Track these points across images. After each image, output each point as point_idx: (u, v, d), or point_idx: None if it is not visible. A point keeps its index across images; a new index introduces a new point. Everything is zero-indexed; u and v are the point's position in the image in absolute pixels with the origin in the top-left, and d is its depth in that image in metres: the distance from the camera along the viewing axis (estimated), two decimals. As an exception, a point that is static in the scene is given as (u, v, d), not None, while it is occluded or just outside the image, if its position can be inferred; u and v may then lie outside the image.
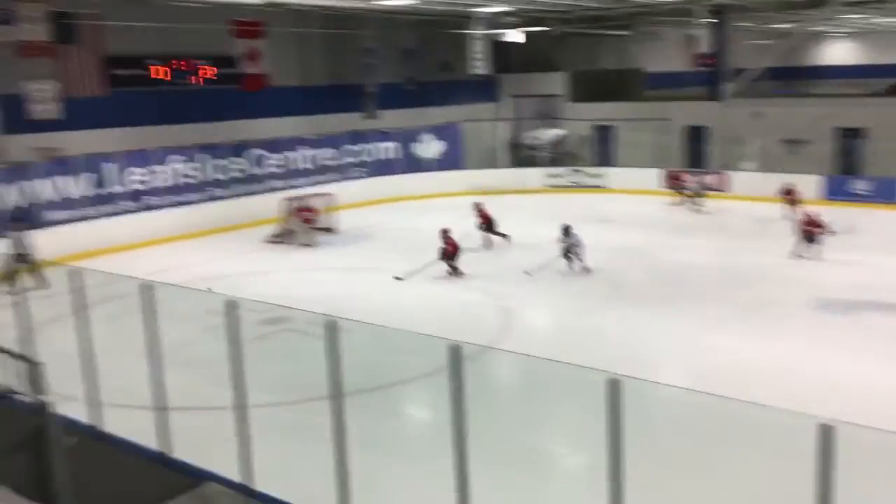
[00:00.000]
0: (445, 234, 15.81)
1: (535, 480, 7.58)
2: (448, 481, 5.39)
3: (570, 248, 15.68)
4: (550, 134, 28.63)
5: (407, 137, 25.84)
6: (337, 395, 5.66)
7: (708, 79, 26.98)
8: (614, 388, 4.47)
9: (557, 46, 29.85)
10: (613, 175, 25.56)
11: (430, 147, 26.16)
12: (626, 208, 22.62)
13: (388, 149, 25.55)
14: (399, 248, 17.98)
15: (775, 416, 6.67)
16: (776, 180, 21.29)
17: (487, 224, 18.23)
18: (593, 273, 15.58)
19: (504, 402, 9.69)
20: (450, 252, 15.57)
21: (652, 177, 24.66)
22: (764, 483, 7.25)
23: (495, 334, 12.03)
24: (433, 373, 6.84)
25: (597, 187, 25.59)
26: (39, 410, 5.87)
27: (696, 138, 25.87)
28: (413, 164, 25.79)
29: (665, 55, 34.58)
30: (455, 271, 15.55)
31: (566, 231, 15.84)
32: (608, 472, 4.69)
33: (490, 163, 27.10)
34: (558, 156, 28.07)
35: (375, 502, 6.40)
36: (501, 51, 28.10)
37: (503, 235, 18.22)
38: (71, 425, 7.21)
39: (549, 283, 15.00)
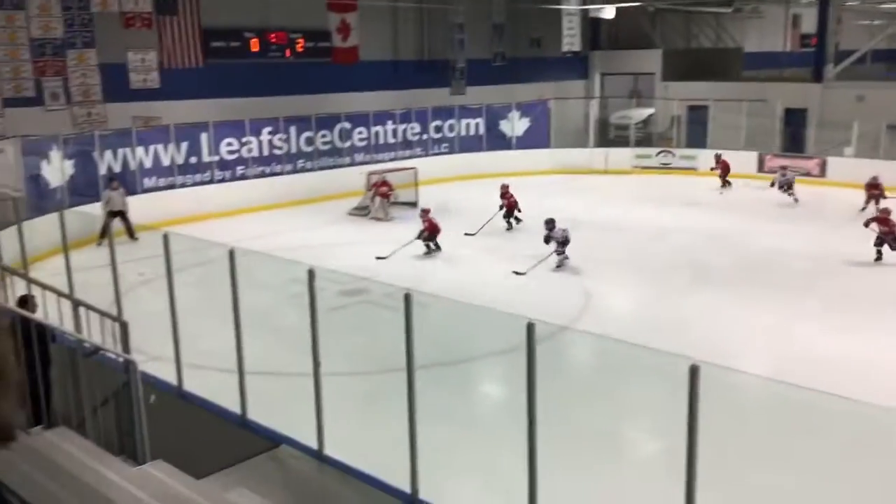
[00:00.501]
0: (425, 213, 15.55)
1: (607, 464, 7.47)
2: (518, 459, 5.35)
3: (559, 242, 14.57)
4: (640, 113, 27.97)
5: (493, 114, 25.67)
6: (410, 365, 5.68)
7: (810, 60, 25.78)
8: (694, 374, 4.33)
9: (652, 23, 29.03)
10: (705, 157, 24.80)
11: (516, 124, 25.92)
12: (716, 192, 21.94)
13: (473, 125, 25.45)
14: (477, 225, 17.91)
15: (859, 409, 6.37)
16: (876, 168, 20.23)
17: (511, 208, 17.80)
18: (677, 257, 15.18)
19: (580, 383, 9.57)
20: (428, 232, 15.28)
21: (745, 160, 23.82)
22: (844, 477, 6.96)
23: (574, 315, 11.88)
24: (509, 350, 6.79)
25: (687, 169, 24.88)
26: (125, 368, 6.08)
27: (794, 121, 24.82)
28: (498, 141, 25.62)
29: (765, 34, 33.23)
30: (431, 250, 15.35)
31: (550, 225, 14.79)
32: (685, 459, 4.56)
33: (577, 142, 26.67)
34: (648, 136, 27.41)
35: (444, 475, 6.42)
36: (593, 27, 27.52)
37: (517, 220, 17.81)
38: (155, 384, 7.49)
39: (631, 267, 14.71)
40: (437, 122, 24.67)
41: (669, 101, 27.07)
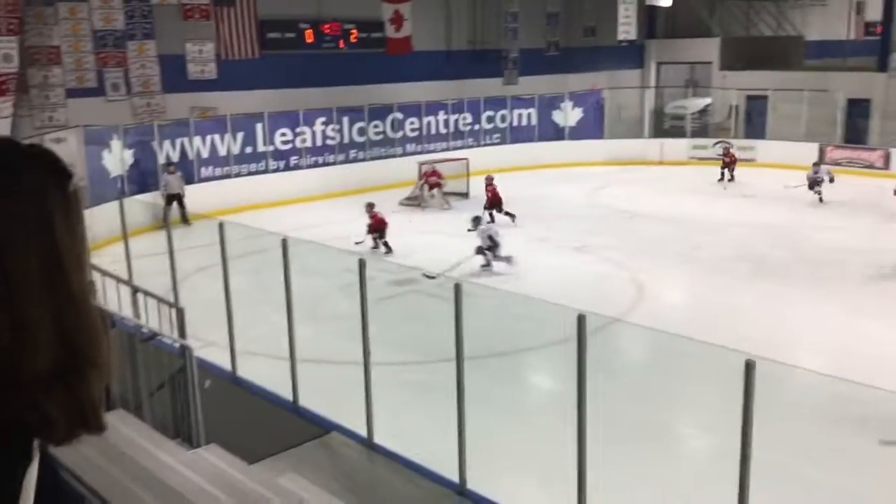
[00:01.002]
0: (371, 207, 15.17)
1: (657, 458, 7.37)
2: (568, 451, 5.32)
3: (487, 245, 13.55)
4: (697, 103, 27.42)
5: (546, 104, 25.45)
6: (459, 355, 5.69)
7: (874, 48, 24.95)
8: (749, 369, 4.24)
9: (710, 11, 28.44)
10: (763, 148, 24.22)
11: (568, 114, 25.67)
12: (774, 184, 21.40)
13: (525, 115, 25.28)
14: (530, 215, 17.82)
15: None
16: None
17: (494, 202, 17.21)
18: (733, 250, 14.88)
19: (631, 376, 9.46)
20: (374, 227, 14.96)
21: (806, 151, 23.19)
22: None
23: (626, 307, 11.74)
24: (560, 341, 6.75)
25: (745, 161, 24.33)
26: (181, 353, 6.22)
27: (856, 112, 24.05)
28: (550, 132, 25.40)
29: (828, 22, 32.26)
30: (379, 247, 14.88)
31: (476, 222, 14.01)
32: (739, 455, 4.47)
33: (631, 132, 26.29)
34: (704, 126, 26.87)
35: (493, 465, 6.41)
36: (649, 15, 27.05)
37: (511, 216, 17.04)
38: (210, 369, 7.64)
39: (685, 259, 14.46)
40: (489, 113, 24.57)
41: (727, 90, 26.48)
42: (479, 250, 13.51)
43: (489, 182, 17.72)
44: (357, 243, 14.38)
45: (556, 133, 25.47)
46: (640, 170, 23.70)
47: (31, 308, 0.97)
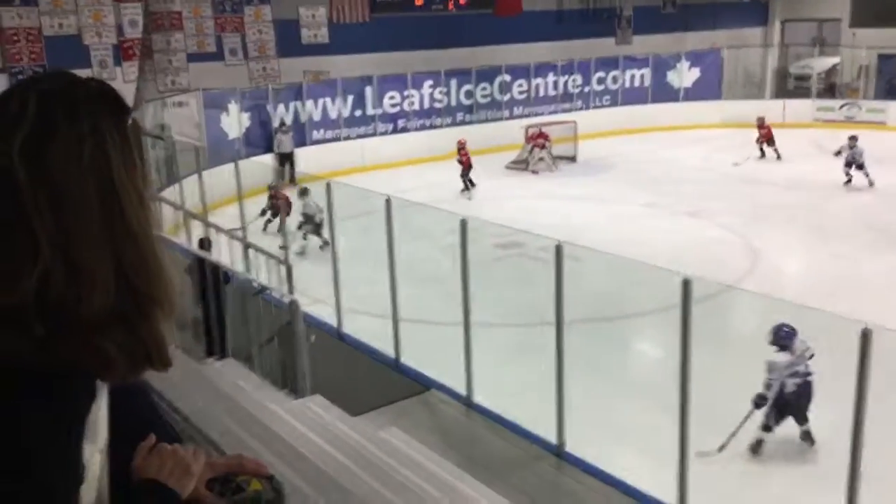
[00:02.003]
0: (272, 189, 14.16)
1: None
2: (670, 419, 5.21)
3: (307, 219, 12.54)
4: (824, 62, 25.84)
5: (660, 64, 24.58)
6: (560, 317, 5.64)
7: None
8: (865, 339, 4.01)
9: (841, -37, 26.61)
10: (895, 110, 22.66)
11: (684, 75, 24.72)
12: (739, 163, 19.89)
13: (639, 76, 24.51)
14: (641, 180, 17.37)
15: None
16: None
17: (467, 167, 17.01)
18: (857, 217, 14.05)
19: (742, 344, 9.14)
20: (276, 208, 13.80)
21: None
22: None
23: (739, 274, 11.31)
24: (666, 308, 6.57)
25: (874, 123, 22.84)
26: (289, 307, 6.43)
27: None
28: (665, 93, 24.55)
29: (977, -29, 29.61)
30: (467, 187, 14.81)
31: (303, 193, 12.79)
32: (851, 427, 4.26)
33: (752, 93, 25.09)
34: (831, 87, 25.34)
35: (591, 428, 6.35)
36: (774, -31, 25.61)
37: (471, 184, 16.85)
38: (317, 324, 7.88)
39: (806, 226, 13.78)
40: (600, 74, 23.94)
41: (857, 49, 24.83)
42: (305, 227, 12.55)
43: (462, 146, 17.43)
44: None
45: (671, 94, 24.60)
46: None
47: (88, 249, 0.96)
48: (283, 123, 18.34)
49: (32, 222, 0.94)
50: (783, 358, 6.41)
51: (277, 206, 12.84)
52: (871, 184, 16.11)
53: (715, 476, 5.95)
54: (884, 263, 11.67)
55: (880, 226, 13.60)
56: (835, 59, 25.73)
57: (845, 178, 16.36)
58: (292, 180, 17.04)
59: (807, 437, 6.51)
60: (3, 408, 0.94)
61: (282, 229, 10.55)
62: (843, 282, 10.93)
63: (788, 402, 6.37)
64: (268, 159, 17.21)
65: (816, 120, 23.65)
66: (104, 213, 0.97)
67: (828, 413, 7.23)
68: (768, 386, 6.48)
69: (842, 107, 23.66)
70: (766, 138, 19.57)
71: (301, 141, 18.80)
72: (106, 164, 0.98)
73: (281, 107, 18.88)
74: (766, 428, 6.53)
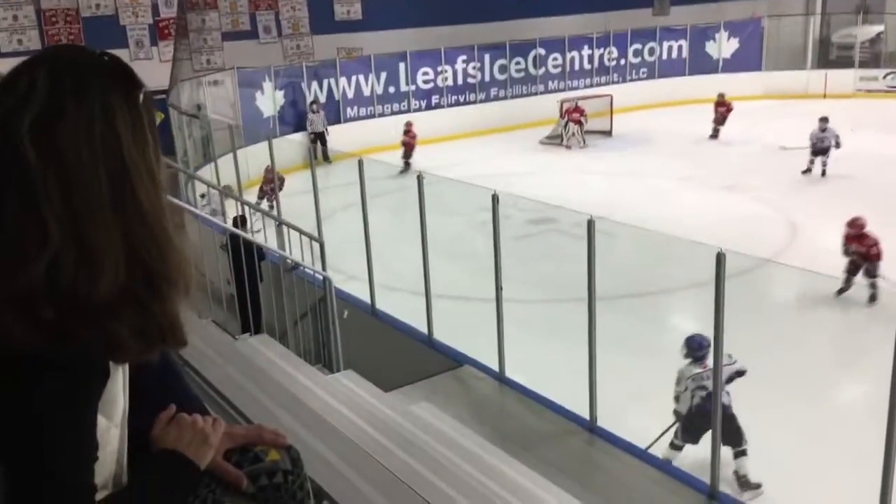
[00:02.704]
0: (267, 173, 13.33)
1: (798, 404, 7.03)
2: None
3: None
4: (868, 31, 25.13)
5: (699, 35, 24.12)
6: (591, 292, 5.61)
7: None
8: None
9: (888, -73, 25.76)
10: (944, 79, 22.02)
11: (723, 45, 24.22)
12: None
13: (676, 47, 24.08)
14: (679, 154, 17.11)
15: None
16: None
17: (410, 148, 16.83)
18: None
19: (778, 319, 9.03)
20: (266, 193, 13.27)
21: None
22: None
23: (778, 249, 11.13)
24: (702, 283, 6.50)
25: (921, 94, 22.24)
26: (323, 284, 6.49)
27: None
28: (703, 65, 24.09)
29: None
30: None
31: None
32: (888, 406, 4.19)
33: (793, 64, 24.51)
34: (875, 56, 24.65)
35: (624, 404, 6.34)
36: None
37: (407, 165, 16.28)
38: (350, 300, 7.94)
39: (850, 199, 13.47)
40: (637, 46, 23.57)
41: (904, 15, 24.12)
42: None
43: (408, 128, 17.24)
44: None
45: (710, 66, 24.14)
46: (801, 104, 22.13)
47: (98, 230, 0.94)
48: (315, 102, 18.44)
49: (41, 204, 0.93)
50: (690, 370, 6.07)
51: (266, 191, 12.61)
52: (823, 173, 14.84)
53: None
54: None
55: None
56: (879, 28, 25.01)
57: (805, 167, 14.99)
58: (326, 158, 17.14)
59: (737, 456, 5.83)
60: (16, 393, 0.95)
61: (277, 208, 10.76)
62: (890, 256, 10.69)
63: (694, 418, 5.82)
64: (302, 137, 17.28)
65: (859, 90, 23.08)
66: (115, 193, 0.96)
67: (863, 389, 7.12)
68: (676, 398, 6.21)
69: (886, 76, 23.05)
70: (723, 116, 18.80)
71: (335, 118, 18.86)
72: (117, 143, 0.96)
73: (315, 84, 18.94)
74: (674, 447, 6.05)
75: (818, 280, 8.81)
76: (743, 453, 5.80)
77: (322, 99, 18.96)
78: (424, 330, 7.29)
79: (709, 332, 5.27)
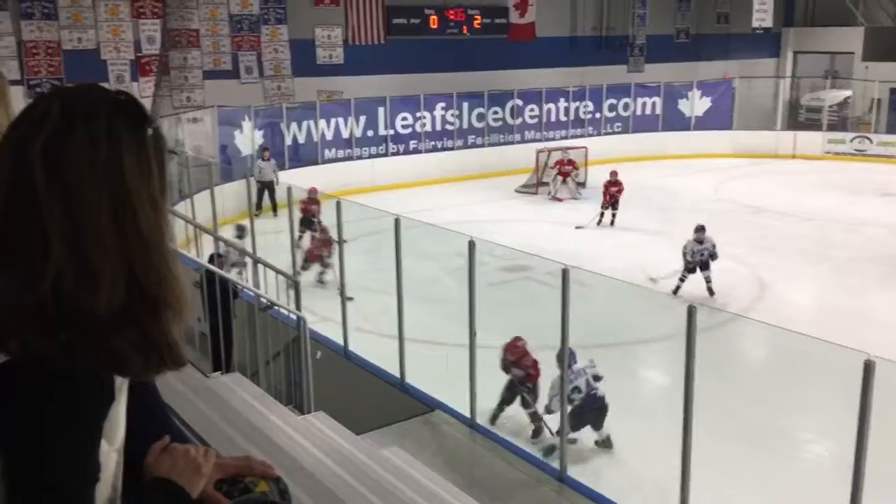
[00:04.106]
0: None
1: (766, 461, 7.10)
2: (674, 447, 5.21)
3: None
4: (836, 95, 25.92)
5: (672, 93, 24.71)
6: (564, 341, 5.66)
7: None
8: (868, 370, 4.03)
9: (854, -2, 26.74)
10: (908, 145, 22.69)
11: (696, 104, 24.83)
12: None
13: (650, 103, 24.64)
14: (650, 207, 17.39)
15: None
16: None
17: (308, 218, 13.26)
18: (866, 250, 14.03)
19: (747, 374, 9.14)
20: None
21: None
22: None
23: (745, 304, 11.32)
24: (671, 336, 6.60)
25: (885, 157, 22.88)
26: (297, 324, 6.47)
27: None
28: (676, 122, 24.65)
29: None
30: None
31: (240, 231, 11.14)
32: (853, 460, 4.26)
33: (763, 124, 25.14)
34: (843, 120, 25.39)
35: (596, 457, 6.36)
36: (787, 2, 25.77)
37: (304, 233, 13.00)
38: (323, 342, 7.92)
39: (815, 259, 13.77)
40: (612, 101, 24.07)
41: (870, 82, 24.91)
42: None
43: (311, 197, 13.52)
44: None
45: (682, 123, 24.69)
46: (770, 163, 22.71)
47: (98, 251, 0.99)
48: (264, 149, 17.37)
49: (46, 223, 0.98)
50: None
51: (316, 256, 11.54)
52: (710, 291, 11.59)
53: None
54: (890, 296, 11.64)
55: (892, 260, 13.58)
56: (847, 92, 25.81)
57: (675, 286, 11.78)
58: (273, 209, 15.91)
59: (605, 443, 6.96)
60: (25, 408, 0.98)
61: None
62: (852, 315, 10.91)
63: (575, 413, 6.63)
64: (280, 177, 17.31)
65: (827, 152, 23.70)
66: (116, 217, 1.01)
67: (829, 445, 7.21)
68: (550, 399, 6.87)
69: (853, 139, 23.73)
70: (614, 198, 16.08)
71: (313, 160, 18.94)
72: (119, 169, 1.01)
73: (294, 126, 19.07)
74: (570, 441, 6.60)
75: (781, 335, 8.94)
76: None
77: (301, 140, 19.05)
78: (397, 373, 7.29)
79: (679, 383, 5.32)
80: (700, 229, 12.09)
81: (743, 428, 7.55)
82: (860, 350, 4.30)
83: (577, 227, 12.90)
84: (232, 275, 8.65)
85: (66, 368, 0.99)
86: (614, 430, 7.17)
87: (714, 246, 11.92)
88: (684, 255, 11.92)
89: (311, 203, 13.42)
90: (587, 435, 6.89)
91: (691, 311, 4.84)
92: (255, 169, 16.32)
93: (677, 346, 5.46)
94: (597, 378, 7.06)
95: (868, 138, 23.54)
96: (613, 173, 16.36)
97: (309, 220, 13.20)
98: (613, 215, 16.12)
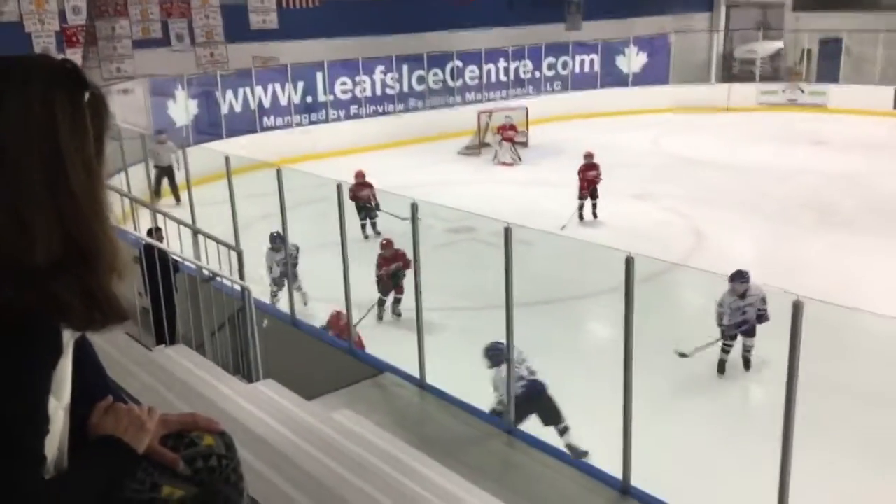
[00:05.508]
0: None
1: (700, 402, 7.36)
2: (616, 394, 5.35)
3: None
4: (768, 47, 26.42)
5: (610, 50, 24.88)
6: (510, 300, 5.74)
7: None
8: (797, 311, 4.20)
9: (784, -51, 27.15)
10: (837, 93, 23.30)
11: (633, 60, 25.06)
12: (847, 130, 20.61)
13: (588, 61, 24.78)
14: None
15: None
16: None
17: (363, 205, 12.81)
18: (800, 198, 14.47)
19: (687, 320, 9.40)
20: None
21: (882, 95, 22.26)
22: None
23: (684, 255, 11.59)
24: (615, 289, 6.73)
25: (817, 106, 23.48)
26: (240, 294, 6.43)
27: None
28: (614, 78, 24.87)
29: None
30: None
31: (275, 240, 9.89)
32: (784, 398, 4.44)
33: (698, 78, 25.54)
34: (775, 71, 25.93)
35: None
36: (719, -44, 26.02)
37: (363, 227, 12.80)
38: (270, 312, 7.89)
39: (750, 208, 14.14)
40: (551, 59, 24.16)
41: (800, 33, 25.44)
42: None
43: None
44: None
45: (620, 80, 24.92)
46: (706, 116, 23.10)
47: (31, 205, 1.03)
48: (159, 132, 15.67)
49: None
50: (500, 374, 6.38)
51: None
52: (747, 363, 8.28)
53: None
54: (825, 242, 12.06)
55: (822, 206, 14.04)
56: (778, 44, 26.33)
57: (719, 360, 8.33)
58: (175, 195, 14.12)
59: (576, 452, 6.30)
60: None
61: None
62: (786, 261, 11.27)
63: (521, 404, 6.18)
64: (218, 146, 16.99)
65: (761, 103, 24.21)
66: (48, 175, 1.04)
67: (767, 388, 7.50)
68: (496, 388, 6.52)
69: (785, 90, 24.27)
70: (592, 184, 14.08)
71: (251, 128, 18.62)
72: (52, 129, 1.05)
73: (230, 93, 18.71)
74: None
75: (721, 281, 9.21)
76: (566, 429, 6.51)
77: (238, 108, 18.69)
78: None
79: (619, 334, 5.46)
80: (738, 276, 8.12)
81: (683, 374, 7.80)
82: (787, 291, 4.48)
83: (562, 228, 11.77)
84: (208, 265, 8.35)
85: (15, 320, 1.02)
86: (559, 382, 7.33)
87: (764, 301, 7.99)
88: (719, 317, 8.17)
89: (360, 188, 12.54)
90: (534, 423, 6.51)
91: (630, 263, 4.95)
92: (149, 153, 13.88)
93: (617, 298, 5.58)
94: (532, 372, 6.57)
95: (800, 88, 24.10)
96: (589, 155, 14.18)
97: (365, 207, 12.44)
98: (594, 205, 13.91)
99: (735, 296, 8.04)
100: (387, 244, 9.90)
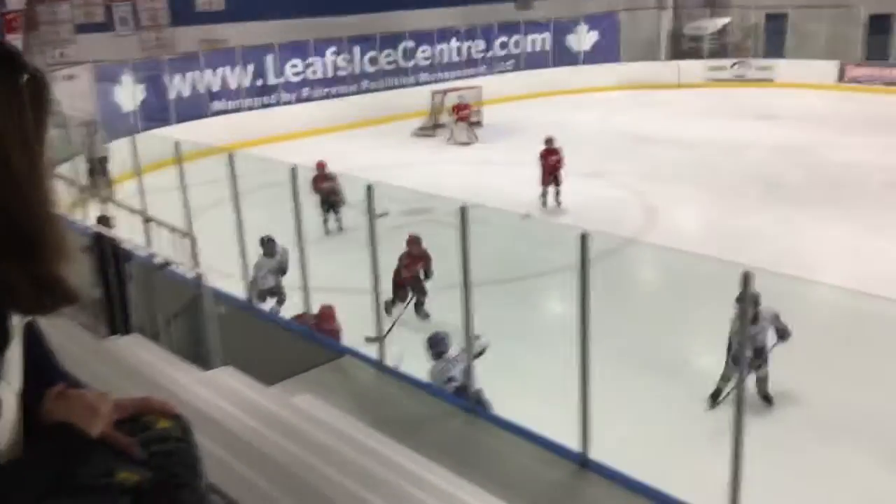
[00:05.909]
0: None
1: (659, 378, 7.49)
2: (574, 372, 5.42)
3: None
4: (715, 23, 26.77)
5: (560, 28, 24.97)
6: (467, 279, 5.76)
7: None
8: (747, 281, 4.30)
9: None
10: (783, 68, 23.74)
11: (584, 38, 25.18)
12: (793, 104, 21.03)
13: (539, 40, 24.84)
14: (540, 144, 17.67)
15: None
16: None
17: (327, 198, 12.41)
18: (749, 172, 14.75)
19: (641, 296, 9.55)
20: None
21: (826, 70, 22.73)
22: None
23: (638, 231, 11.75)
24: (571, 266, 6.80)
25: (763, 80, 23.90)
26: (195, 282, 6.35)
27: (879, 28, 23.41)
28: (566, 57, 24.97)
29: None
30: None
31: (266, 244, 9.42)
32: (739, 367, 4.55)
33: (648, 55, 25.79)
34: (723, 47, 26.30)
35: (504, 386, 6.55)
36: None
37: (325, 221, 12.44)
38: (226, 299, 7.78)
39: (700, 183, 14.38)
40: (503, 39, 24.16)
41: (746, 9, 25.82)
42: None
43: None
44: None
45: (572, 58, 25.04)
46: (655, 93, 23.37)
47: None
48: (89, 123, 14.60)
49: None
50: (438, 367, 6.32)
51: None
52: (765, 398, 7.09)
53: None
54: (773, 214, 12.32)
55: (770, 179, 14.34)
56: (725, 20, 26.68)
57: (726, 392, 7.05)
58: (109, 186, 13.28)
59: None
60: None
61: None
62: (736, 234, 11.50)
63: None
64: (167, 132, 16.67)
65: (709, 80, 24.55)
66: None
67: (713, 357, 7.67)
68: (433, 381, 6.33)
69: (733, 65, 24.63)
70: (554, 169, 13.64)
71: (201, 112, 18.30)
72: None
73: (178, 77, 18.34)
74: None
75: (673, 256, 9.37)
76: None
77: (186, 92, 18.34)
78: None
79: (573, 312, 5.52)
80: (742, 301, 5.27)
81: (634, 347, 7.93)
82: (740, 264, 4.57)
83: (525, 216, 11.11)
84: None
85: None
86: (518, 360, 7.40)
87: (778, 318, 7.06)
88: (729, 348, 6.91)
89: (322, 180, 12.19)
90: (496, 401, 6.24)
91: (584, 239, 5.00)
92: (83, 145, 13.67)
93: (574, 275, 5.64)
94: (478, 355, 6.11)
95: (747, 63, 24.48)
96: (549, 140, 13.73)
97: (328, 201, 12.01)
98: (557, 192, 13.46)
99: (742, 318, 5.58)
100: (413, 240, 9.40)
